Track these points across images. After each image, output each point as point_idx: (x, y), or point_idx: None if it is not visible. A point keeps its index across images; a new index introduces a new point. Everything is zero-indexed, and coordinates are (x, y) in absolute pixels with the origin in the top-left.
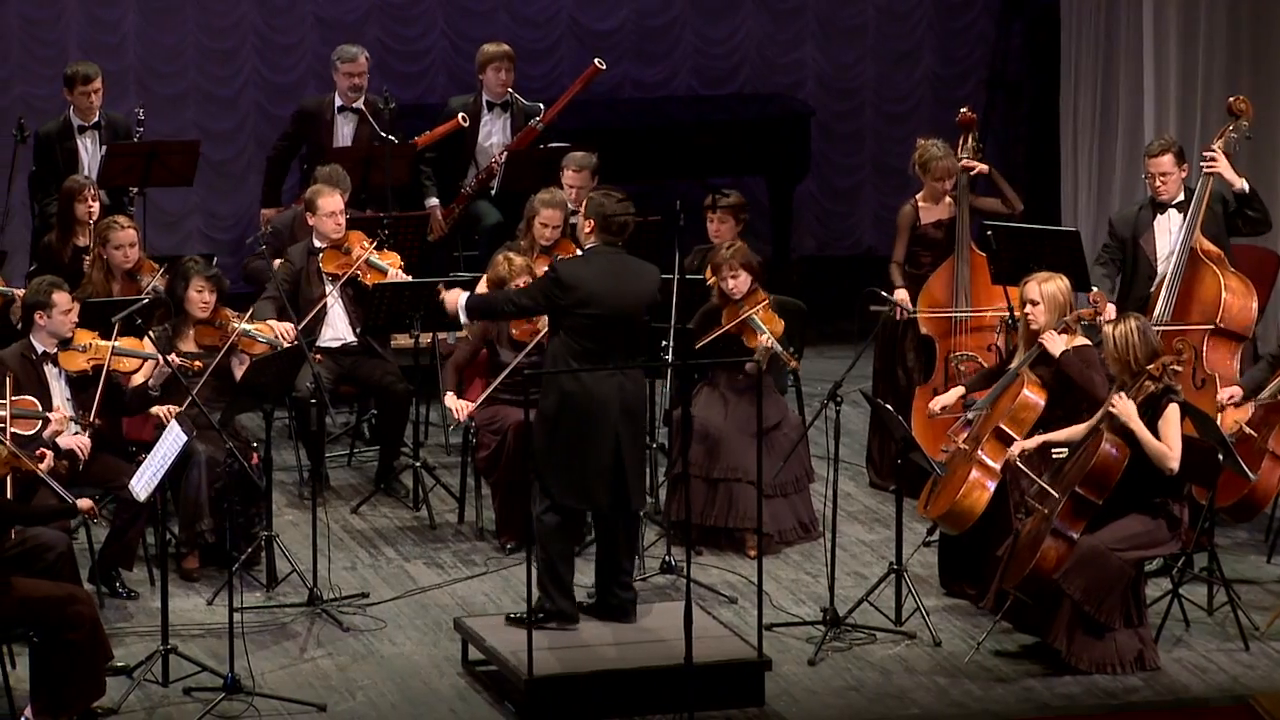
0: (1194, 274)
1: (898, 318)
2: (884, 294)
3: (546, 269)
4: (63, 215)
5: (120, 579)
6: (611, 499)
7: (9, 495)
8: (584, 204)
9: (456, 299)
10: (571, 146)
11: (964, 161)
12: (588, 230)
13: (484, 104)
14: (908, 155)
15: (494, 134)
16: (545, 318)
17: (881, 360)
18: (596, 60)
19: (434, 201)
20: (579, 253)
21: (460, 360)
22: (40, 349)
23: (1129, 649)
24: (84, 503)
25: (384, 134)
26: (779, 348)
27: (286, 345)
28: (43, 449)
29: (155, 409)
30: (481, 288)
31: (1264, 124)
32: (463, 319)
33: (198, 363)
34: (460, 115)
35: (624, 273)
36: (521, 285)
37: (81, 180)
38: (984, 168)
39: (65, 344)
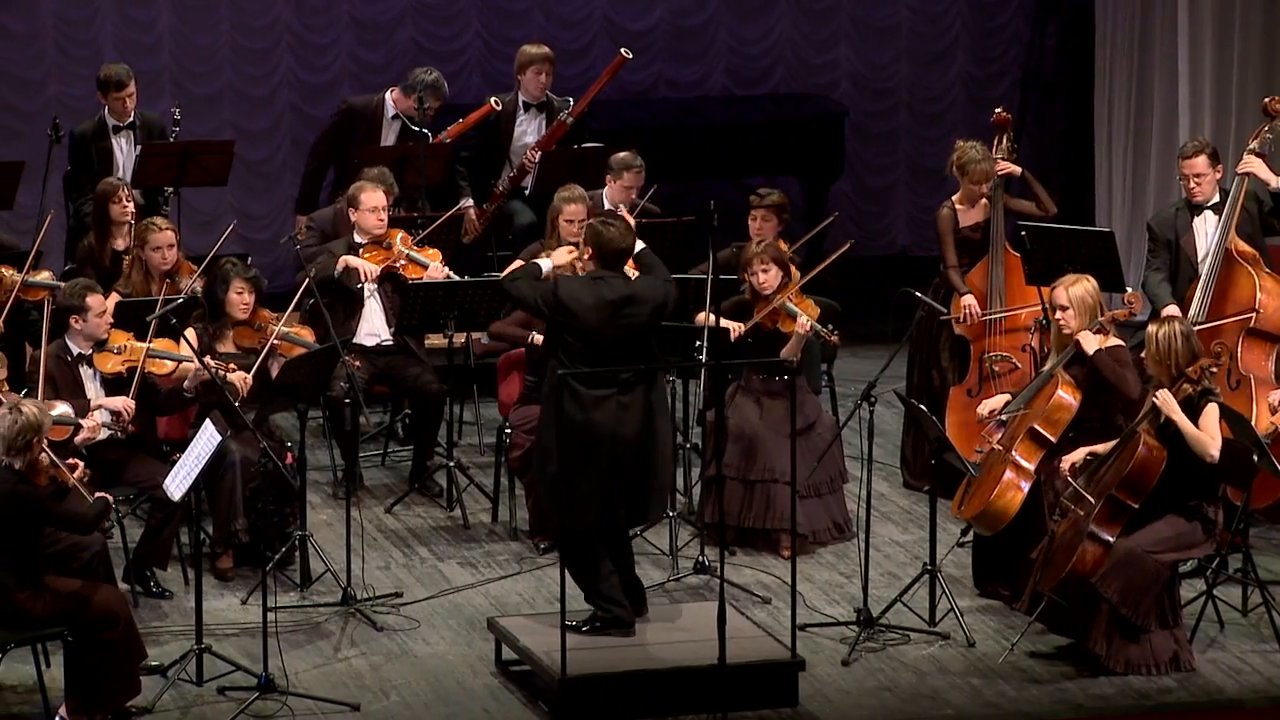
0: (1229, 274)
1: (966, 321)
2: (921, 295)
3: (555, 280)
4: (98, 218)
5: (155, 578)
6: (603, 518)
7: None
8: (585, 230)
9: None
10: (605, 147)
11: (998, 163)
12: (586, 257)
13: (520, 104)
14: (942, 155)
15: (529, 134)
16: None
17: (916, 360)
18: (623, 50)
19: (468, 203)
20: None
21: (498, 328)
22: (75, 350)
23: (1164, 650)
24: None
25: (418, 128)
26: (819, 327)
27: (318, 347)
28: (73, 459)
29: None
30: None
31: None
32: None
33: (232, 365)
34: (492, 100)
35: (623, 303)
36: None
37: (115, 182)
38: (1016, 170)
39: (100, 345)
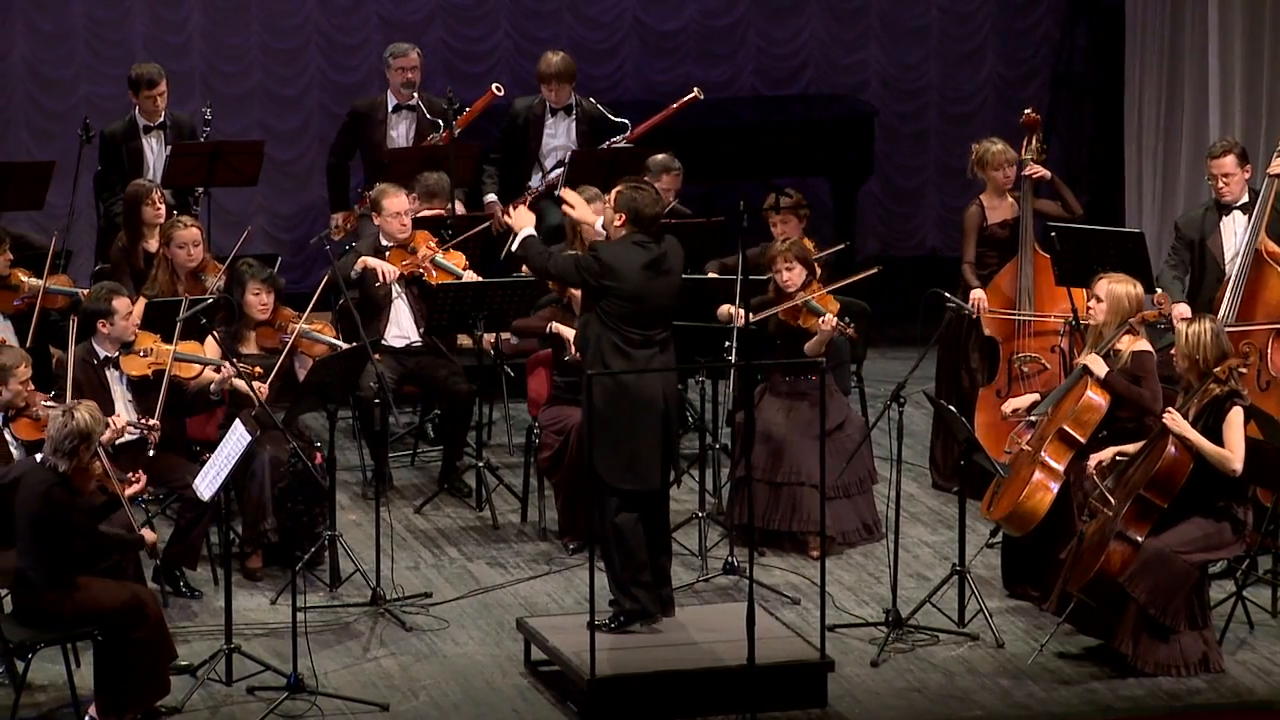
0: (1258, 275)
1: (973, 316)
2: (949, 295)
3: (589, 249)
4: (130, 220)
5: (184, 578)
6: (662, 477)
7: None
8: (616, 193)
9: (525, 225)
10: (636, 148)
11: (1029, 165)
12: (619, 223)
13: (548, 108)
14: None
15: (558, 136)
16: None
17: (945, 361)
18: (696, 90)
19: (492, 197)
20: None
21: (525, 323)
22: (102, 354)
23: (1193, 651)
24: (149, 535)
25: (439, 121)
26: (837, 321)
27: (345, 348)
28: (135, 473)
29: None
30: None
31: None
32: (514, 245)
33: (258, 368)
34: (494, 86)
35: (657, 264)
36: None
37: (146, 184)
38: (1046, 173)
39: (127, 347)
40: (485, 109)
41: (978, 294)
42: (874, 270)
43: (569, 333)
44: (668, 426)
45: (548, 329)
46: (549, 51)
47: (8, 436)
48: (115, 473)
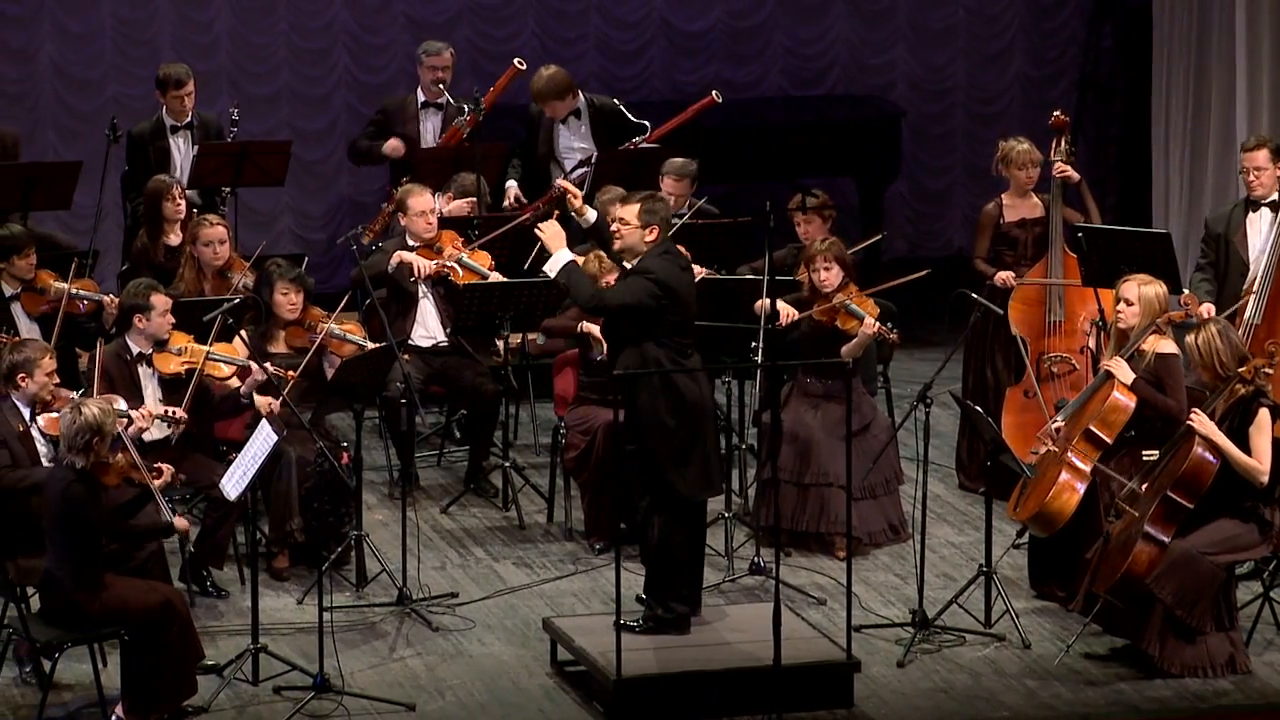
0: None
1: (1000, 285)
2: (976, 296)
3: (634, 272)
4: (151, 215)
5: (211, 578)
6: (721, 481)
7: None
8: (638, 210)
9: (559, 246)
10: (662, 148)
11: (1057, 166)
12: (652, 238)
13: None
14: None
15: (573, 138)
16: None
17: (971, 362)
18: (714, 93)
19: (512, 183)
20: (643, 255)
21: (554, 323)
22: (135, 350)
23: (1220, 652)
24: (180, 522)
25: (464, 107)
26: (880, 326)
27: (373, 347)
28: (162, 465)
29: (258, 399)
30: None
31: None
32: (550, 269)
33: (291, 372)
34: (516, 60)
35: (685, 266)
36: (610, 283)
37: (167, 180)
38: (1075, 175)
39: (160, 345)
40: (509, 84)
41: (1005, 273)
42: (924, 273)
43: (599, 331)
44: (718, 431)
45: (578, 328)
46: (542, 68)
47: (35, 434)
48: (143, 464)
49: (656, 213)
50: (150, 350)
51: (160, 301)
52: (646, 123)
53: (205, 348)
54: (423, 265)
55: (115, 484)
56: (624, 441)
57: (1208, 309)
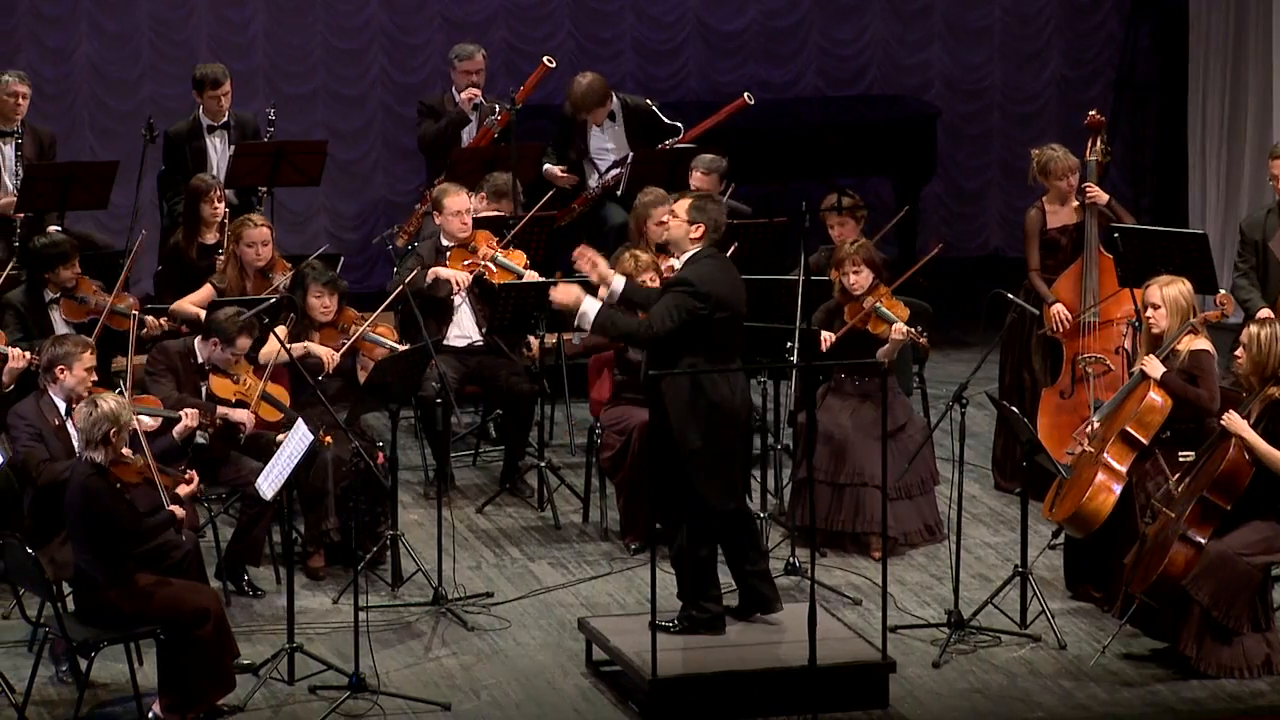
0: None
1: (1058, 331)
2: (1012, 296)
3: (672, 285)
4: (189, 214)
5: (247, 577)
6: (745, 491)
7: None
8: (689, 205)
9: (580, 300)
10: (697, 147)
11: (1087, 189)
12: (697, 235)
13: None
14: None
15: (606, 139)
16: None
17: (1007, 362)
18: (746, 94)
19: (548, 166)
20: (685, 257)
21: (590, 341)
22: (200, 359)
23: (1256, 653)
24: (178, 511)
25: (495, 105)
26: (910, 329)
27: (403, 350)
28: (190, 472)
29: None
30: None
31: None
32: (582, 325)
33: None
34: (545, 58)
35: (733, 273)
36: (647, 283)
37: (209, 180)
38: (1103, 197)
39: (220, 370)
40: (540, 81)
41: (1059, 308)
42: (936, 250)
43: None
44: (750, 440)
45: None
46: (579, 74)
47: (70, 429)
48: (160, 469)
49: (706, 212)
50: (209, 367)
51: (242, 344)
52: (679, 124)
53: (261, 384)
54: (461, 280)
55: (134, 482)
56: (653, 445)
57: (1265, 312)
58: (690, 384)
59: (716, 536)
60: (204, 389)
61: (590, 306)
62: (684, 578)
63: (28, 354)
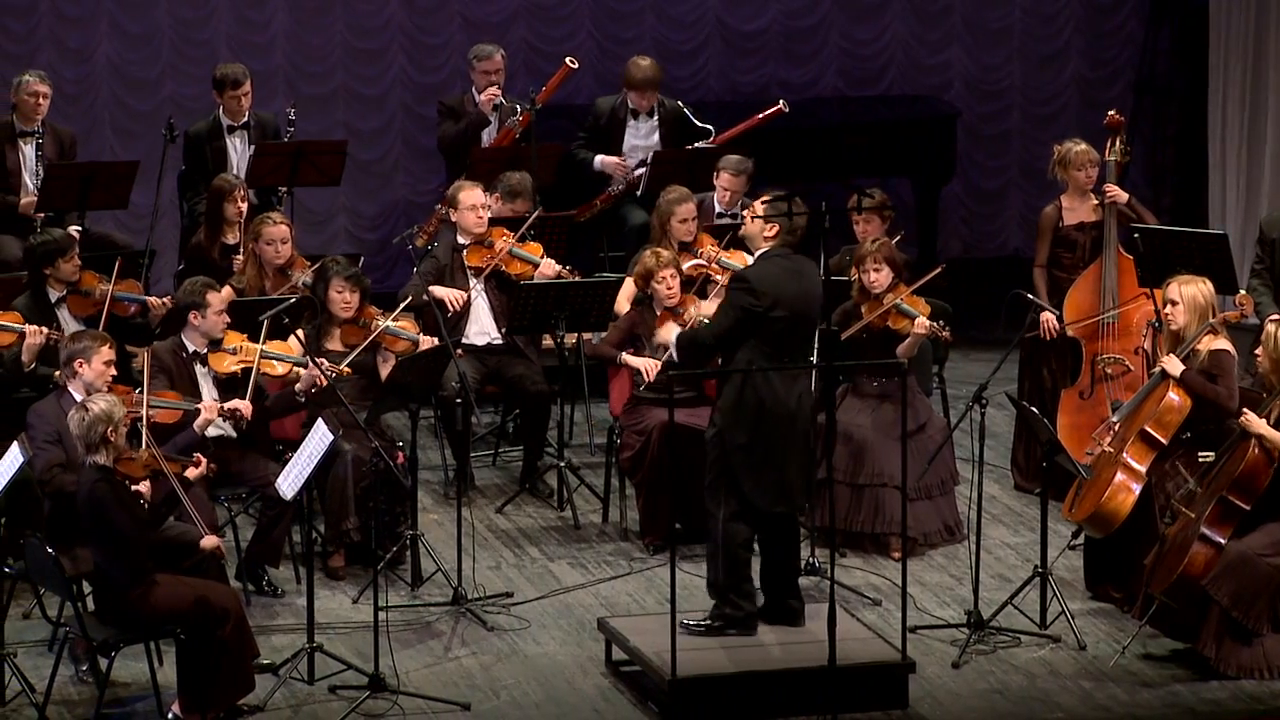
0: None
1: (1043, 338)
2: (1032, 297)
3: (731, 284)
4: (211, 214)
5: (267, 577)
6: (805, 498)
7: (153, 500)
8: (765, 207)
9: (669, 336)
10: (718, 148)
11: (1106, 188)
12: (770, 234)
13: (629, 110)
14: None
15: (640, 137)
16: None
17: (1027, 362)
18: (781, 102)
19: (601, 157)
20: (757, 255)
21: (612, 341)
22: (191, 348)
23: (1276, 654)
24: (208, 541)
25: (517, 106)
26: (933, 324)
27: (426, 348)
28: (198, 455)
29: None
30: (628, 286)
31: None
32: (673, 354)
33: (346, 369)
34: (568, 59)
35: (801, 274)
36: (668, 279)
37: (233, 180)
38: (1122, 196)
39: (215, 344)
40: (561, 82)
41: (1047, 318)
42: (940, 269)
43: (637, 362)
44: (808, 444)
45: (618, 360)
46: (638, 56)
47: None
48: (166, 457)
49: (782, 211)
50: (205, 349)
51: (215, 299)
52: (710, 127)
53: (259, 346)
54: (457, 298)
55: (142, 477)
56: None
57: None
58: (740, 381)
59: (736, 527)
60: (201, 376)
61: (670, 331)
62: (718, 572)
63: (44, 329)
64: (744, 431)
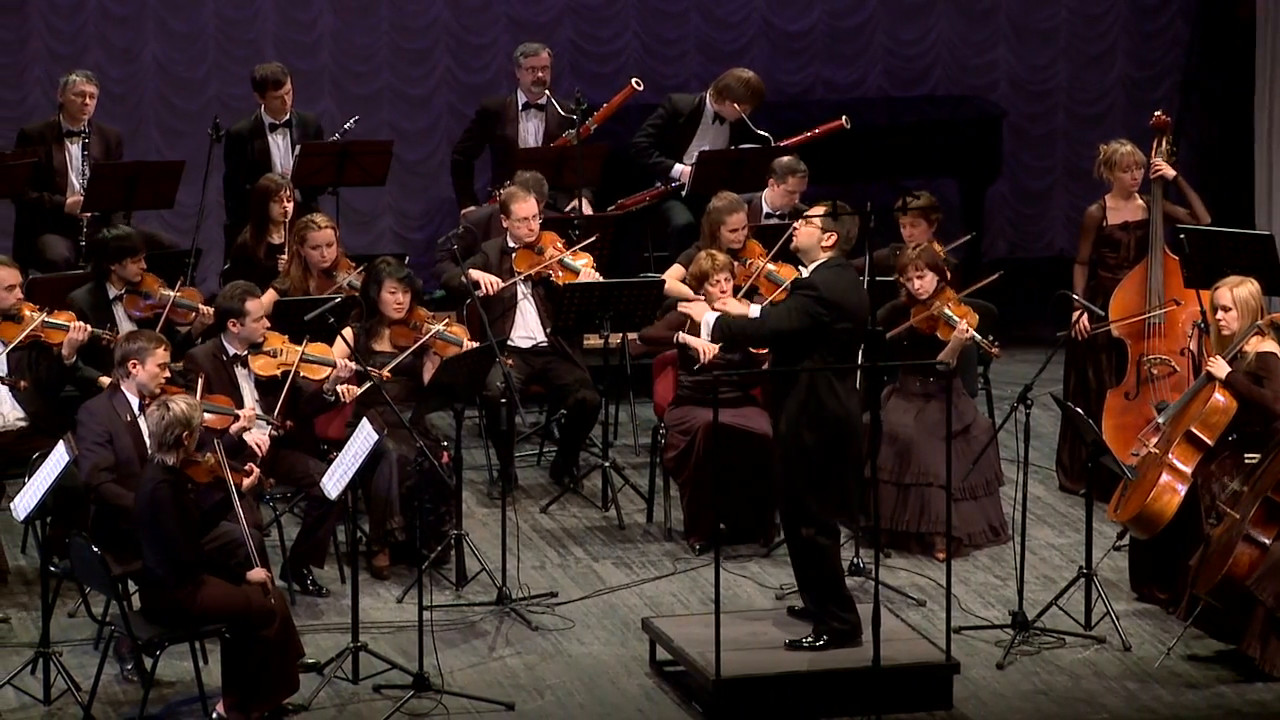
0: None
1: (1075, 338)
2: (1077, 297)
3: (797, 287)
4: (257, 213)
5: (311, 576)
6: (859, 511)
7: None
8: (823, 216)
9: (703, 314)
10: (763, 148)
11: (1154, 163)
12: (829, 244)
13: (711, 113)
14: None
15: (707, 141)
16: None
17: (1072, 363)
18: (844, 118)
19: (679, 165)
20: (815, 265)
21: (651, 333)
22: (231, 351)
23: None
24: (256, 574)
25: (573, 118)
26: (980, 338)
27: (471, 348)
28: (251, 464)
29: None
30: (676, 269)
31: None
32: (706, 335)
33: (386, 373)
34: (634, 81)
35: (859, 284)
36: (722, 283)
37: (279, 180)
38: (1171, 172)
39: (255, 348)
40: (623, 104)
41: (1080, 319)
42: (996, 276)
43: (696, 342)
44: (862, 457)
45: (675, 339)
46: (742, 70)
47: (142, 425)
48: (228, 464)
49: (840, 221)
50: (246, 352)
51: (254, 306)
52: (768, 135)
53: (300, 349)
54: (492, 282)
55: (205, 481)
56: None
57: None
58: (806, 390)
59: (826, 540)
60: (242, 379)
61: (709, 318)
62: (814, 589)
63: (88, 326)
64: (811, 439)
